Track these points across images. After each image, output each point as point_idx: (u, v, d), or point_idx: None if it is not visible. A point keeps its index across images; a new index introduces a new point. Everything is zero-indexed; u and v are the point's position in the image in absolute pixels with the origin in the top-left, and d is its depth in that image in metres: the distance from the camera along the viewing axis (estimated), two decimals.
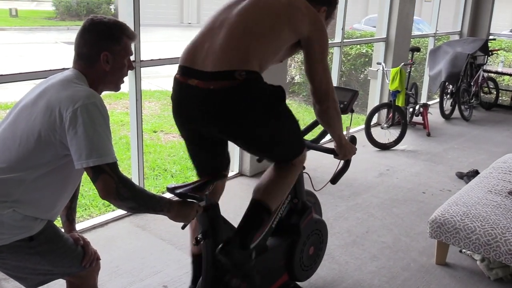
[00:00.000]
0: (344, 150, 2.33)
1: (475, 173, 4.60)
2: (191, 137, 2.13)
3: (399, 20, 6.19)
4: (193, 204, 1.87)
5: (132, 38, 1.85)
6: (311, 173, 2.70)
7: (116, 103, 7.93)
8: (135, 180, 3.70)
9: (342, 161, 2.42)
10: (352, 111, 2.65)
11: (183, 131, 2.12)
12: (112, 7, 21.61)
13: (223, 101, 1.89)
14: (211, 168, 2.19)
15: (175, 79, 2.02)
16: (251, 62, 1.89)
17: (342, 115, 2.59)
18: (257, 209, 2.09)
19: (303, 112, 8.25)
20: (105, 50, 1.78)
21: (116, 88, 1.90)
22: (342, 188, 4.28)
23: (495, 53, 8.14)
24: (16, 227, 1.71)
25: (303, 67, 2.14)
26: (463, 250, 3.27)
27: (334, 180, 2.40)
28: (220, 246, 1.95)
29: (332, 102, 2.11)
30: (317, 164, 4.54)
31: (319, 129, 2.68)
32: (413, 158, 5.26)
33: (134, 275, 2.90)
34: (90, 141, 1.63)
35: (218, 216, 2.05)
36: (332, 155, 2.39)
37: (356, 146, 2.47)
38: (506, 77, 8.79)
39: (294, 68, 9.53)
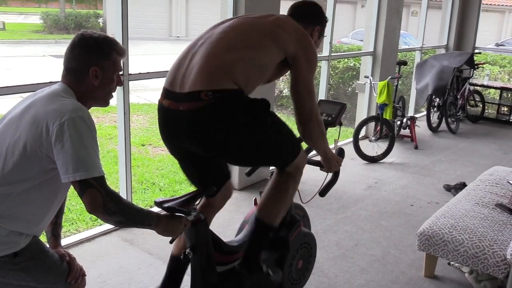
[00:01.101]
0: (330, 163, 2.34)
1: (463, 185, 4.63)
2: (176, 152, 2.14)
3: (386, 34, 6.26)
4: (181, 218, 1.86)
5: (121, 54, 1.84)
6: (300, 186, 2.69)
7: (104, 117, 7.90)
8: (123, 194, 3.67)
9: (331, 174, 2.42)
10: (340, 124, 2.66)
11: (168, 147, 2.13)
12: (100, 20, 21.63)
13: (190, 121, 1.90)
14: (202, 182, 2.19)
15: (158, 101, 2.06)
16: (222, 79, 1.88)
17: (330, 128, 2.62)
18: (263, 229, 2.17)
19: (291, 125, 8.24)
20: (95, 65, 1.78)
21: (105, 103, 1.89)
22: (331, 201, 4.28)
23: (481, 67, 8.25)
24: (1, 243, 1.69)
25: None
26: (452, 263, 3.28)
27: (323, 192, 2.40)
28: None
29: (316, 124, 2.11)
30: (306, 177, 4.53)
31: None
32: (401, 171, 5.28)
33: None
34: (77, 154, 1.62)
35: (206, 230, 2.04)
36: (317, 167, 2.40)
37: (345, 159, 2.48)
38: (492, 90, 8.89)
39: (283, 82, 9.57)
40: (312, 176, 4.27)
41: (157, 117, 2.05)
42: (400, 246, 3.56)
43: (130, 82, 3.49)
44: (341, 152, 2.44)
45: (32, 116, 1.70)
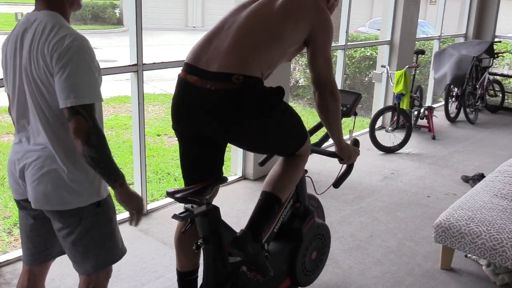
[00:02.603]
0: (346, 152, 2.30)
1: (481, 176, 4.56)
2: (185, 131, 2.08)
3: (404, 23, 6.16)
4: (140, 198, 1.83)
5: None
6: (315, 177, 2.68)
7: (120, 107, 7.94)
8: (138, 184, 3.69)
9: (345, 165, 2.39)
10: (355, 114, 2.62)
11: (180, 124, 2.07)
12: (117, 11, 21.70)
13: (218, 102, 1.91)
14: (209, 172, 2.13)
15: (178, 75, 2.05)
16: (252, 68, 1.91)
17: (345, 118, 2.58)
18: (269, 199, 2.11)
19: (307, 115, 8.22)
20: None
21: (79, 6, 1.81)
22: (346, 192, 4.25)
23: (501, 56, 8.09)
24: (88, 189, 1.76)
25: (308, 67, 2.16)
26: (469, 255, 3.23)
27: (337, 183, 2.37)
28: (232, 239, 1.95)
29: (331, 93, 2.09)
30: (321, 168, 4.51)
31: (322, 132, 2.65)
32: (418, 162, 5.21)
33: (136, 279, 2.88)
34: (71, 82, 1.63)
35: (218, 220, 2.03)
36: (335, 159, 2.37)
37: (361, 150, 2.44)
38: None
39: (299, 72, 9.50)
40: (327, 167, 4.25)
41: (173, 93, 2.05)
42: (416, 237, 3.51)
43: (144, 72, 3.49)
44: (356, 143, 2.41)
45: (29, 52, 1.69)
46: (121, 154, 5.52)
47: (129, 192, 1.78)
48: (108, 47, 14.49)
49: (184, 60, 2.05)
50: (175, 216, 1.88)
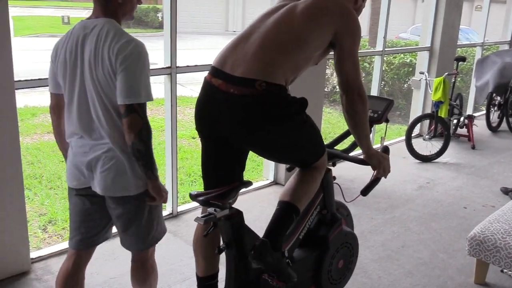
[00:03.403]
0: (375, 159, 2.24)
1: None
2: (208, 134, 2.10)
3: (444, 29, 6.01)
4: (166, 191, 2.03)
5: None
6: (347, 184, 2.65)
7: (158, 109, 8.05)
8: (169, 185, 3.72)
9: (374, 172, 2.34)
10: (387, 121, 2.56)
11: (202, 126, 2.10)
12: (159, 15, 22.08)
13: (240, 107, 1.91)
14: (229, 176, 2.13)
15: (204, 78, 2.05)
16: (276, 74, 1.91)
17: (376, 125, 2.53)
18: (285, 208, 2.07)
19: (343, 122, 8.11)
20: None
21: (131, 17, 2.03)
22: (379, 200, 4.16)
23: None
24: (143, 177, 1.97)
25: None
26: (505, 270, 3.10)
27: (365, 191, 2.32)
28: (251, 249, 1.92)
29: (359, 95, 2.04)
30: (354, 175, 4.44)
31: (351, 139, 2.60)
32: (455, 171, 5.07)
33: (162, 281, 2.89)
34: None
35: (242, 225, 2.01)
36: (366, 166, 2.32)
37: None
38: None
39: (336, 77, 9.41)
40: (360, 174, 4.17)
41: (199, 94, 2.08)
42: (449, 250, 3.41)
43: (182, 75, 3.51)
44: (386, 150, 2.35)
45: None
46: (156, 156, 5.57)
47: (160, 185, 2.00)
48: (150, 50, 14.71)
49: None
50: (197, 219, 1.87)
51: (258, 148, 2.09)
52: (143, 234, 2.09)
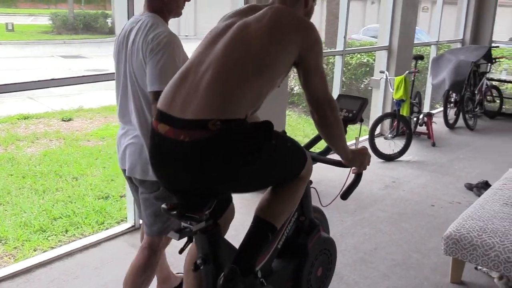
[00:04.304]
0: (357, 161, 2.12)
1: (485, 184, 4.42)
2: (173, 186, 1.82)
3: (402, 28, 6.05)
4: None
5: None
6: (318, 187, 2.52)
7: (112, 116, 7.76)
8: (130, 195, 3.50)
9: (353, 174, 2.23)
10: (362, 121, 2.47)
11: (163, 180, 1.81)
12: (109, 20, 21.57)
13: (192, 155, 1.63)
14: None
15: (150, 124, 1.78)
16: (234, 108, 1.64)
17: (351, 125, 2.43)
18: (262, 228, 1.89)
19: (303, 123, 8.09)
20: None
21: (177, 14, 2.22)
22: (347, 202, 4.02)
23: (498, 61, 8.00)
24: None
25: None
26: (479, 267, 3.08)
27: (345, 195, 2.21)
28: (221, 276, 1.73)
29: (331, 110, 1.87)
30: (321, 178, 4.34)
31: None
32: (419, 169, 5.07)
33: None
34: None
35: (219, 238, 1.86)
36: (342, 168, 2.21)
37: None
38: (509, 85, 8.65)
39: (294, 79, 9.37)
40: (330, 176, 4.08)
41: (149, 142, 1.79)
42: (422, 249, 3.36)
43: None
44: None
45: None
46: (113, 165, 5.34)
47: None
48: (100, 56, 14.33)
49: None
50: (171, 234, 1.71)
51: (230, 191, 1.91)
52: (158, 219, 2.19)
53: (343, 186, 2.36)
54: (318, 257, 2.36)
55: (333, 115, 1.88)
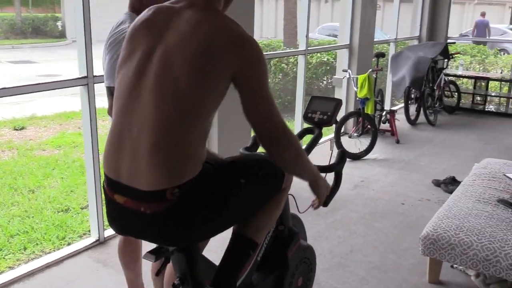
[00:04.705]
0: (322, 188, 1.89)
1: (452, 180, 4.44)
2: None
3: (362, 26, 6.05)
4: None
5: None
6: (294, 192, 2.41)
7: (68, 123, 7.45)
8: (93, 207, 3.31)
9: (332, 179, 2.14)
10: (336, 122, 2.38)
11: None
12: (59, 23, 20.89)
13: (160, 225, 1.50)
14: None
15: (104, 190, 1.61)
16: (186, 166, 1.46)
17: (326, 127, 2.34)
18: (241, 244, 1.77)
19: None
20: None
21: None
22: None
23: (456, 57, 8.15)
24: None
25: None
26: (455, 265, 3.05)
27: (326, 201, 2.11)
28: None
29: (289, 142, 1.56)
30: (295, 181, 4.26)
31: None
32: (386, 167, 5.06)
33: None
34: None
35: (198, 256, 1.73)
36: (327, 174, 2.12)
37: (326, 158, 2.22)
38: (465, 80, 8.82)
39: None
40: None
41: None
42: (397, 250, 3.31)
43: (95, 85, 3.13)
44: (342, 156, 2.17)
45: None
46: (72, 175, 5.09)
47: None
48: (51, 61, 13.83)
49: None
50: (146, 256, 1.57)
51: (208, 238, 1.80)
52: None
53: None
54: (298, 267, 2.26)
55: (291, 150, 1.58)
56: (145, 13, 1.59)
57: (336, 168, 2.17)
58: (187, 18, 1.49)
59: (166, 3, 1.60)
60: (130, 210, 1.50)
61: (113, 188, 1.53)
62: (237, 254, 1.77)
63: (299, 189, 2.14)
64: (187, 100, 1.44)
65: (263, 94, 1.52)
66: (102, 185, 1.63)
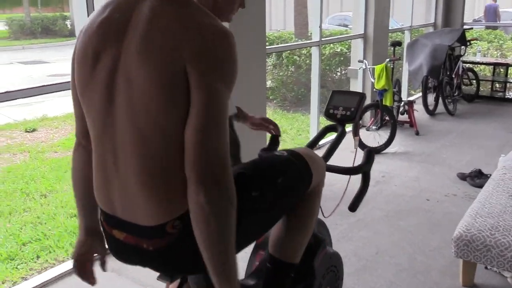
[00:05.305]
0: None
1: (479, 173, 4.25)
2: None
3: (376, 14, 5.84)
4: None
5: None
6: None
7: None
8: None
9: (358, 180, 1.99)
10: (360, 118, 2.22)
11: None
12: (68, 22, 20.86)
13: (165, 262, 1.36)
14: None
15: (101, 225, 1.45)
16: (182, 192, 1.21)
17: (349, 123, 2.19)
18: (280, 269, 1.64)
19: (279, 118, 7.82)
20: None
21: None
22: (340, 194, 3.84)
23: (474, 43, 7.90)
24: None
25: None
26: (489, 267, 2.88)
27: (354, 206, 1.98)
28: None
29: (226, 189, 1.18)
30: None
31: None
32: (407, 161, 4.87)
33: None
34: None
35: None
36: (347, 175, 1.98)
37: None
38: (483, 67, 8.57)
39: (266, 73, 9.11)
40: (328, 180, 3.85)
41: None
42: (426, 250, 3.14)
43: None
44: (370, 156, 2.01)
45: None
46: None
47: None
48: (62, 60, 13.76)
49: None
50: (161, 277, 1.43)
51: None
52: None
53: (344, 193, 2.15)
54: (325, 276, 2.11)
55: (225, 198, 1.17)
56: (99, 12, 1.28)
57: (364, 169, 2.02)
58: (147, 15, 1.19)
59: None
60: (131, 246, 1.34)
61: (110, 223, 1.37)
62: (277, 279, 1.63)
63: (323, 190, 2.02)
64: (167, 122, 1.18)
65: (220, 116, 1.17)
66: (99, 219, 1.45)
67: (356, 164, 2.10)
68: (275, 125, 2.16)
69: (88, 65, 1.26)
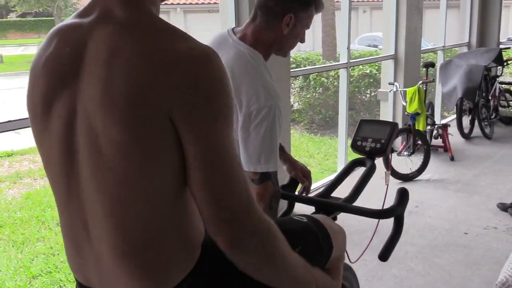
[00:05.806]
0: None
1: None
2: None
3: (408, 35, 5.59)
4: None
5: (318, 9, 1.70)
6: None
7: None
8: None
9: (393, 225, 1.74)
10: (392, 151, 1.98)
11: None
12: None
13: None
14: None
15: None
16: (173, 261, 1.01)
17: (379, 157, 1.95)
18: None
19: (306, 142, 7.59)
20: (292, 12, 1.63)
21: (285, 55, 1.79)
22: (368, 235, 3.55)
23: (510, 63, 7.54)
24: None
25: None
26: None
27: (385, 255, 1.72)
28: None
29: (261, 233, 0.98)
30: (344, 224, 3.83)
31: (349, 184, 2.01)
32: (442, 189, 4.56)
33: None
34: None
35: None
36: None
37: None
38: None
39: (292, 95, 8.90)
40: (355, 222, 3.61)
41: None
42: None
43: None
44: (403, 196, 1.76)
45: None
46: None
47: None
48: None
49: None
50: None
51: None
52: None
53: (372, 236, 1.92)
54: None
55: (259, 242, 0.97)
56: (45, 45, 1.01)
57: (397, 211, 1.77)
58: (104, 53, 0.93)
59: (71, 20, 1.02)
60: None
61: None
62: None
63: (348, 233, 1.78)
64: (150, 184, 0.94)
65: (226, 157, 0.94)
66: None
67: (387, 204, 1.84)
68: (309, 184, 2.04)
69: (38, 114, 1.00)
